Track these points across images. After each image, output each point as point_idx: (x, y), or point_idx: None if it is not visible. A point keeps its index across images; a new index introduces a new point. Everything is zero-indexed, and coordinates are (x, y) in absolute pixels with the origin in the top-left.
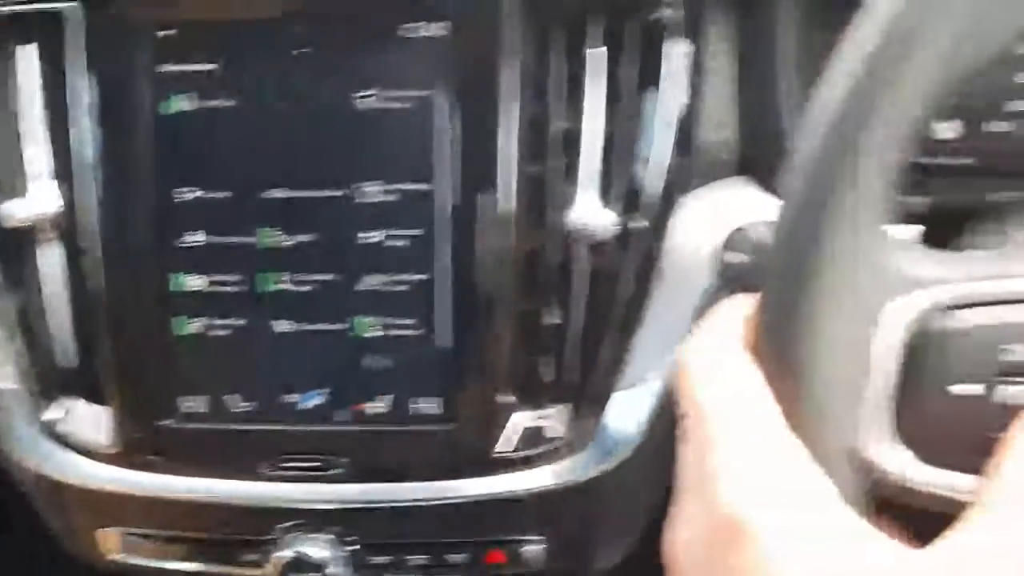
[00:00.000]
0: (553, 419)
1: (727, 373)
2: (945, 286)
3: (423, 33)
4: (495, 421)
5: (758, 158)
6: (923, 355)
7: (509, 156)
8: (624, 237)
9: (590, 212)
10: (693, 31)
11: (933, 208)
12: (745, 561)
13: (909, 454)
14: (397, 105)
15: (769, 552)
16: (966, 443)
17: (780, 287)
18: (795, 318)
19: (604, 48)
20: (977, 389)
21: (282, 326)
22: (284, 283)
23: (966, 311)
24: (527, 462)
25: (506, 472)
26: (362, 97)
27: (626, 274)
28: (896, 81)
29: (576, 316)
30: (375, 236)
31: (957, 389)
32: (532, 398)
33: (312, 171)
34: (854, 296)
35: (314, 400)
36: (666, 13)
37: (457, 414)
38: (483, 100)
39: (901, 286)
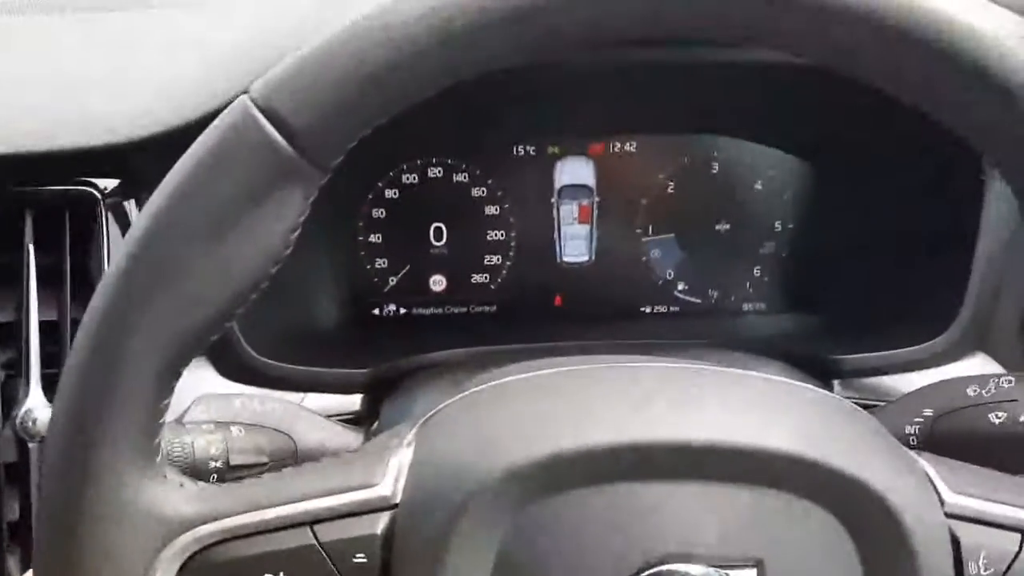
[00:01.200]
0: None
1: None
2: (210, 524)
3: None
4: None
5: None
6: None
7: None
8: None
9: (38, 407)
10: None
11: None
12: None
13: None
14: None
15: None
16: None
17: (48, 538)
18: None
19: (34, 241)
20: None
21: None
22: None
23: (230, 544)
24: None
25: None
26: None
27: None
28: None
29: (35, 511)
30: None
31: None
32: None
33: None
34: (125, 541)
35: None
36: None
37: None
38: None
39: (172, 528)
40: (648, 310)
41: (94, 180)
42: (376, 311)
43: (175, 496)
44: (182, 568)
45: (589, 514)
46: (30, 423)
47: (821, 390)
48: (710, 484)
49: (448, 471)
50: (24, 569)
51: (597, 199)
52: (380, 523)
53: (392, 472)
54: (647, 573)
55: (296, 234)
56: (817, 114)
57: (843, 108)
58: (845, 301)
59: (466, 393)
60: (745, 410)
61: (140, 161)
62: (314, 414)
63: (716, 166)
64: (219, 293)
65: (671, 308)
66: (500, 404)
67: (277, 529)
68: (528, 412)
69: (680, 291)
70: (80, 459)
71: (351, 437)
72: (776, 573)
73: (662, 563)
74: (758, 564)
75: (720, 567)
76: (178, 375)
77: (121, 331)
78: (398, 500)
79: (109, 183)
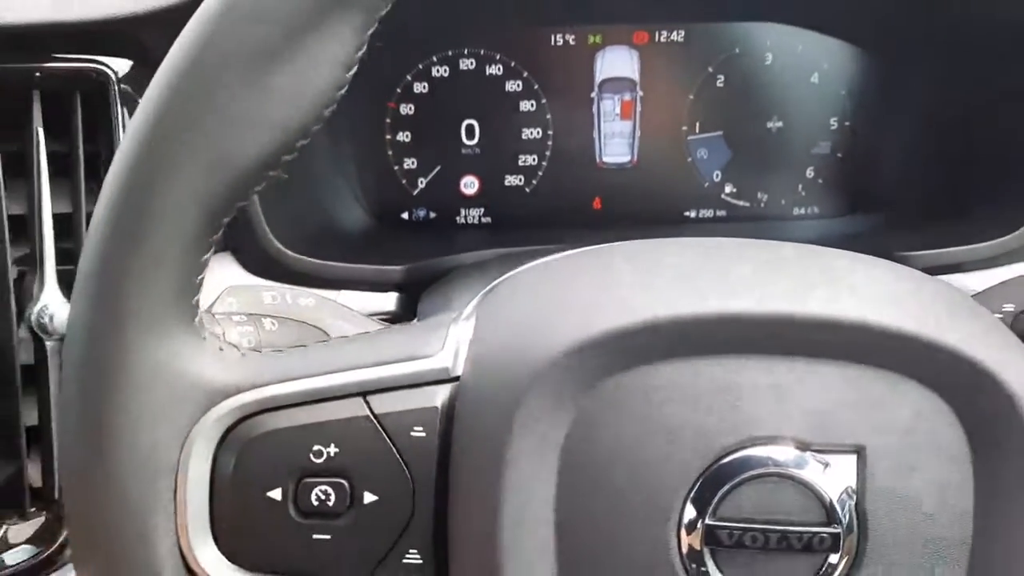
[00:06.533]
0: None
1: None
2: (254, 391)
3: None
4: None
5: None
6: (242, 460)
7: None
8: None
9: (54, 304)
10: None
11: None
12: None
13: (220, 556)
14: None
15: None
16: (277, 545)
17: (74, 408)
18: (97, 430)
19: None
20: (290, 492)
21: None
22: None
23: (275, 414)
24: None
25: None
26: None
27: None
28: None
29: (56, 415)
30: None
31: (273, 494)
32: (14, 504)
33: None
34: (159, 407)
35: None
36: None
37: None
38: None
39: (212, 394)
40: (693, 214)
41: (106, 60)
42: (405, 215)
43: (215, 360)
44: (222, 439)
45: (667, 391)
46: (47, 319)
47: (918, 271)
48: (804, 361)
49: (514, 345)
50: (47, 477)
51: (640, 94)
52: (439, 396)
53: (451, 344)
54: (731, 457)
55: (352, 73)
56: None
57: None
58: (910, 199)
59: (531, 265)
60: (844, 282)
61: (153, 39)
62: (350, 310)
63: (770, 57)
64: (265, 134)
65: (717, 212)
66: (570, 274)
67: (327, 399)
68: (602, 281)
69: (727, 194)
70: (108, 315)
71: None
72: (878, 460)
73: (748, 445)
74: (859, 451)
75: (816, 451)
76: (218, 228)
77: (156, 171)
78: (459, 373)
79: (123, 65)
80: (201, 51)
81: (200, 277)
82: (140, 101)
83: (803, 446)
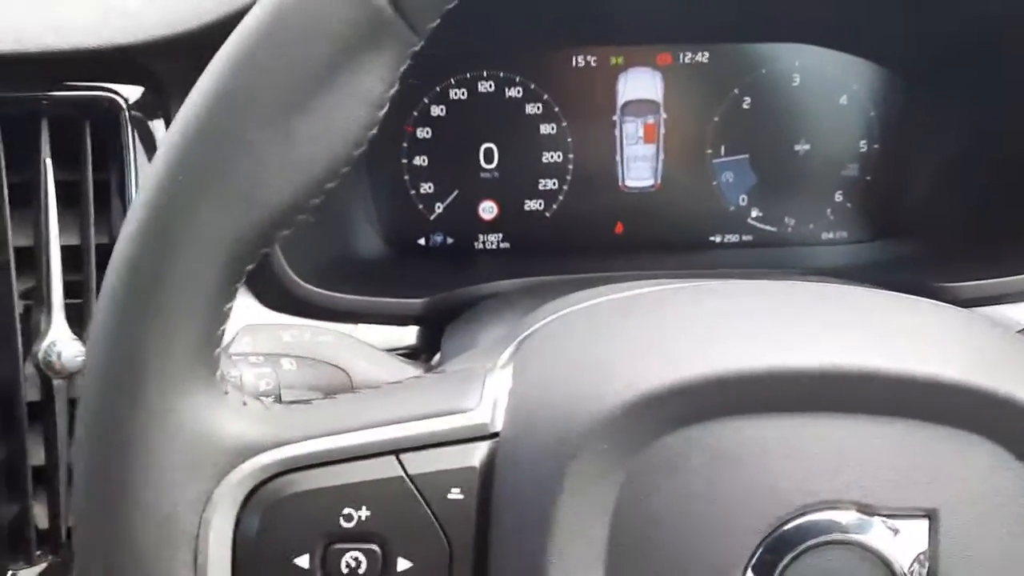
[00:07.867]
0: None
1: None
2: (279, 450)
3: None
4: None
5: None
6: (266, 524)
7: None
8: None
9: (62, 340)
10: (164, 109)
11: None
12: None
13: None
14: None
15: None
16: None
17: (89, 468)
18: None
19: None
20: (317, 559)
21: None
22: None
23: (302, 474)
24: None
25: None
26: None
27: None
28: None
29: (63, 455)
30: None
31: (300, 561)
32: (21, 548)
33: None
34: (179, 470)
35: None
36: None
37: None
38: None
39: (234, 454)
40: (718, 239)
41: (116, 87)
42: (421, 241)
43: (237, 417)
44: (246, 501)
45: (726, 453)
46: (54, 358)
47: (986, 316)
48: (873, 419)
49: (559, 400)
50: (54, 519)
51: (664, 116)
52: (478, 455)
53: (489, 397)
54: (793, 524)
55: (383, 112)
56: (912, 16)
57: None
58: (945, 226)
59: (570, 309)
60: (912, 335)
61: (166, 67)
62: (371, 347)
63: (797, 78)
64: (294, 177)
65: (743, 237)
66: (616, 322)
67: (358, 457)
68: (652, 332)
69: (753, 219)
70: (127, 370)
71: (411, 372)
72: (952, 526)
73: (813, 510)
74: (931, 514)
75: (885, 517)
76: (242, 276)
77: (179, 219)
78: (498, 429)
79: (133, 92)
80: (229, 92)
81: (222, 328)
82: (160, 144)
83: (870, 510)
